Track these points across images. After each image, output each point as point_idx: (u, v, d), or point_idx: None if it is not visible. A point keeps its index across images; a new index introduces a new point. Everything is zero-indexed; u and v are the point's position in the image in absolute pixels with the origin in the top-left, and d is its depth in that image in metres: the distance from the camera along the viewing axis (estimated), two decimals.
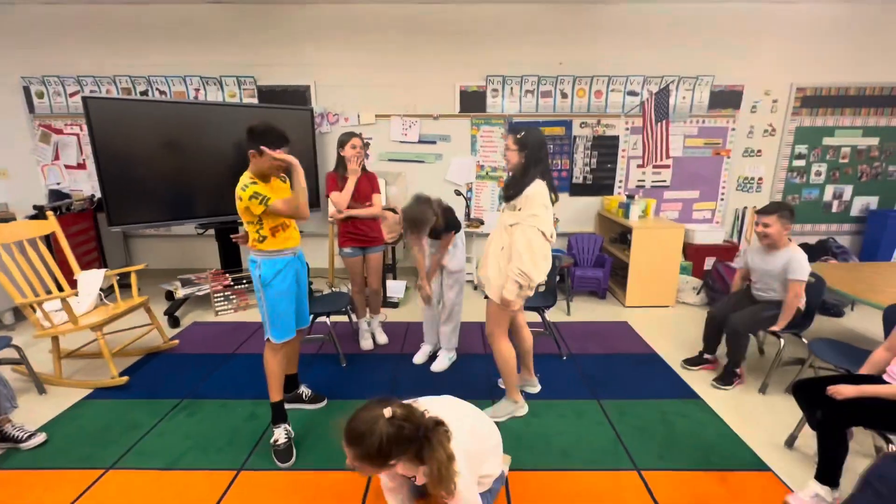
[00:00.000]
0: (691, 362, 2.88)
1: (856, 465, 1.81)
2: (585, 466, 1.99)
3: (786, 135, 4.41)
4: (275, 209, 1.91)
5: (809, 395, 1.90)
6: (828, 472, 1.73)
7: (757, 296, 2.69)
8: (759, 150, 4.47)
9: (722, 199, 4.58)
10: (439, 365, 2.81)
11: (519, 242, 1.99)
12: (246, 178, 1.95)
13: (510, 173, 2.17)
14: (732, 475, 1.93)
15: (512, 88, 4.32)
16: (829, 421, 1.74)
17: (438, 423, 1.36)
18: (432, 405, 1.45)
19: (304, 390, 2.45)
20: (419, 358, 2.92)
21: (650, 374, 2.79)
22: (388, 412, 1.29)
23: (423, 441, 1.31)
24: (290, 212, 1.95)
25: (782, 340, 2.55)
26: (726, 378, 2.63)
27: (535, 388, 2.53)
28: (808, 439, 2.02)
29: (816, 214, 4.60)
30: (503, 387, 2.49)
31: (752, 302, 2.70)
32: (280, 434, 2.07)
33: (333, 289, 4.29)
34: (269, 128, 1.92)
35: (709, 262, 4.25)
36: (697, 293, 3.98)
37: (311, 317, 2.90)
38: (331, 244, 4.37)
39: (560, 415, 2.35)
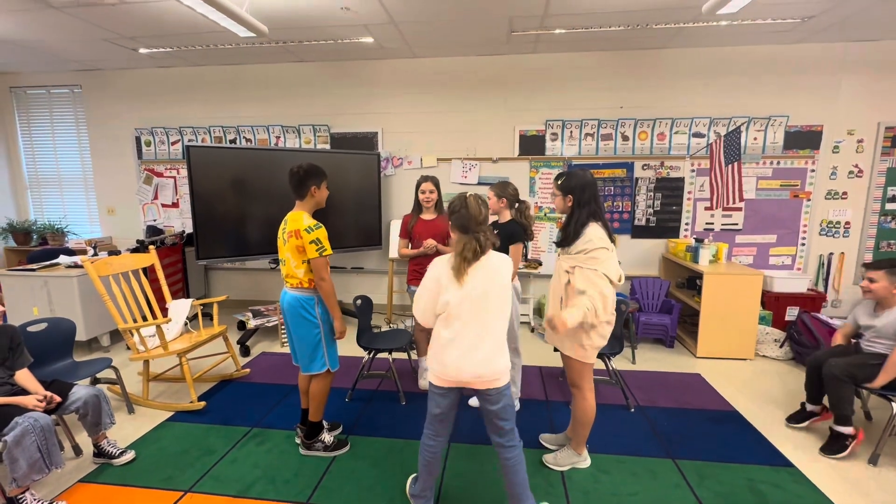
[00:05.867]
0: (796, 419, 2.60)
1: None
2: None
3: (876, 176, 4.08)
4: (318, 266, 2.10)
5: None
6: None
7: (865, 348, 2.44)
8: (844, 193, 4.15)
9: (803, 244, 4.25)
10: None
11: (581, 283, 1.91)
12: (308, 217, 2.14)
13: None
14: None
15: (571, 132, 4.37)
16: None
17: (485, 236, 1.72)
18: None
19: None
20: (475, 401, 2.79)
21: (731, 434, 2.55)
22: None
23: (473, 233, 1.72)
24: (318, 275, 2.13)
25: (894, 404, 2.26)
26: (834, 445, 2.31)
27: (585, 463, 2.24)
28: None
29: None
30: (547, 445, 2.39)
31: (859, 352, 2.46)
32: (327, 437, 2.30)
33: (391, 325, 4.38)
34: (317, 165, 2.21)
35: (791, 313, 3.90)
36: (780, 346, 3.64)
37: (372, 353, 2.99)
38: (390, 281, 4.51)
39: (632, 473, 2.20)
